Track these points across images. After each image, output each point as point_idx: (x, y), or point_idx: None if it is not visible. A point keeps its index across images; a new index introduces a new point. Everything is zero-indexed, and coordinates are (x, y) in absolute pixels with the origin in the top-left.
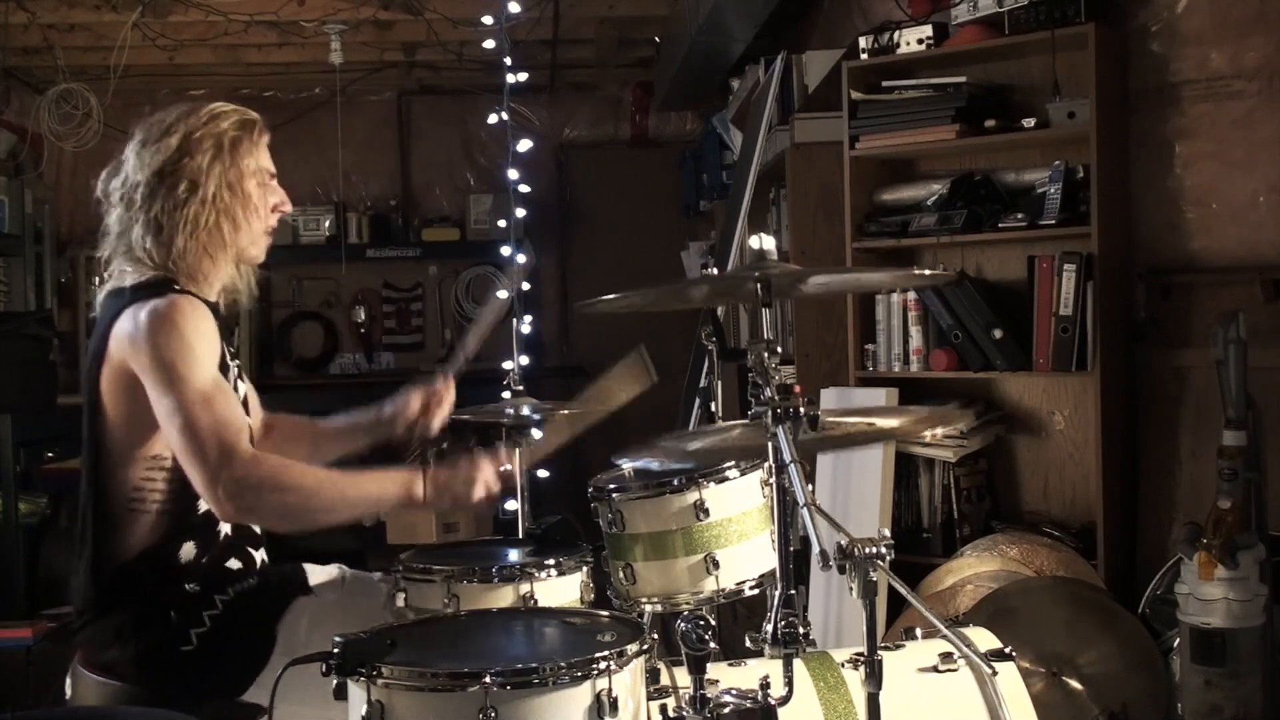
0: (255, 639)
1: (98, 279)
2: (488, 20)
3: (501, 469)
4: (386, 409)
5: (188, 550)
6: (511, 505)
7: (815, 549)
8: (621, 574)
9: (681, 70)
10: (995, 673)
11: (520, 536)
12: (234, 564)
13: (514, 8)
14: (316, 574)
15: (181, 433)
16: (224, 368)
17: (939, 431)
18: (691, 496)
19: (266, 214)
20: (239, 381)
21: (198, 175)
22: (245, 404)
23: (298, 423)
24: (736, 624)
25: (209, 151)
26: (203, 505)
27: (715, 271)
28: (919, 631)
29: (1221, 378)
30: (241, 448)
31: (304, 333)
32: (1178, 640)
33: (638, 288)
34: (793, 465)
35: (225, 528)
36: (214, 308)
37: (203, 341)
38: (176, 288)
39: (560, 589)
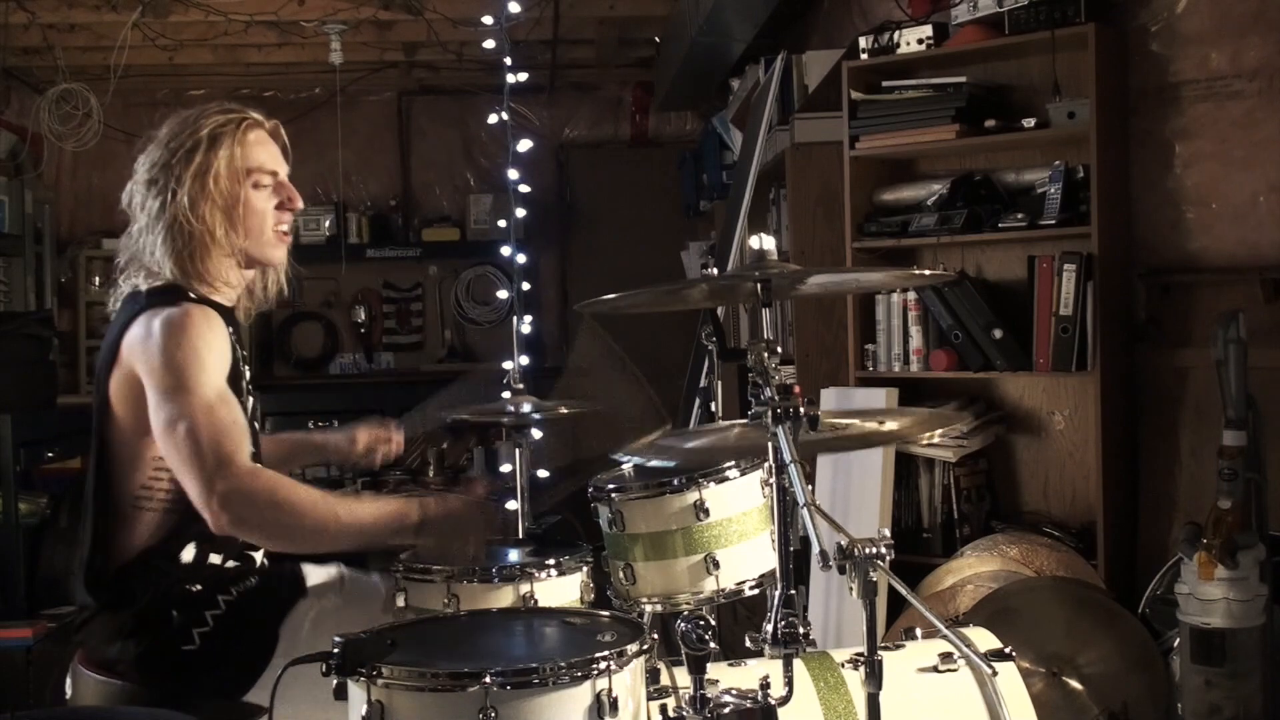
0: (257, 639)
1: (98, 279)
2: (488, 20)
3: (496, 507)
4: (333, 437)
5: (189, 552)
6: (511, 505)
7: (815, 549)
8: (621, 574)
9: (681, 70)
10: (995, 673)
11: (520, 536)
12: (234, 564)
13: (514, 8)
14: (315, 574)
15: (182, 441)
16: (236, 377)
17: (937, 435)
18: (691, 496)
19: (266, 212)
20: (249, 395)
21: (175, 178)
22: (254, 416)
23: None
24: (736, 624)
25: (187, 154)
26: None
27: (715, 271)
28: (919, 631)
29: (1221, 378)
30: (239, 458)
31: (304, 333)
32: (1178, 640)
33: (638, 288)
34: (793, 465)
35: None
36: (229, 314)
37: (213, 352)
38: (191, 296)
39: (560, 589)
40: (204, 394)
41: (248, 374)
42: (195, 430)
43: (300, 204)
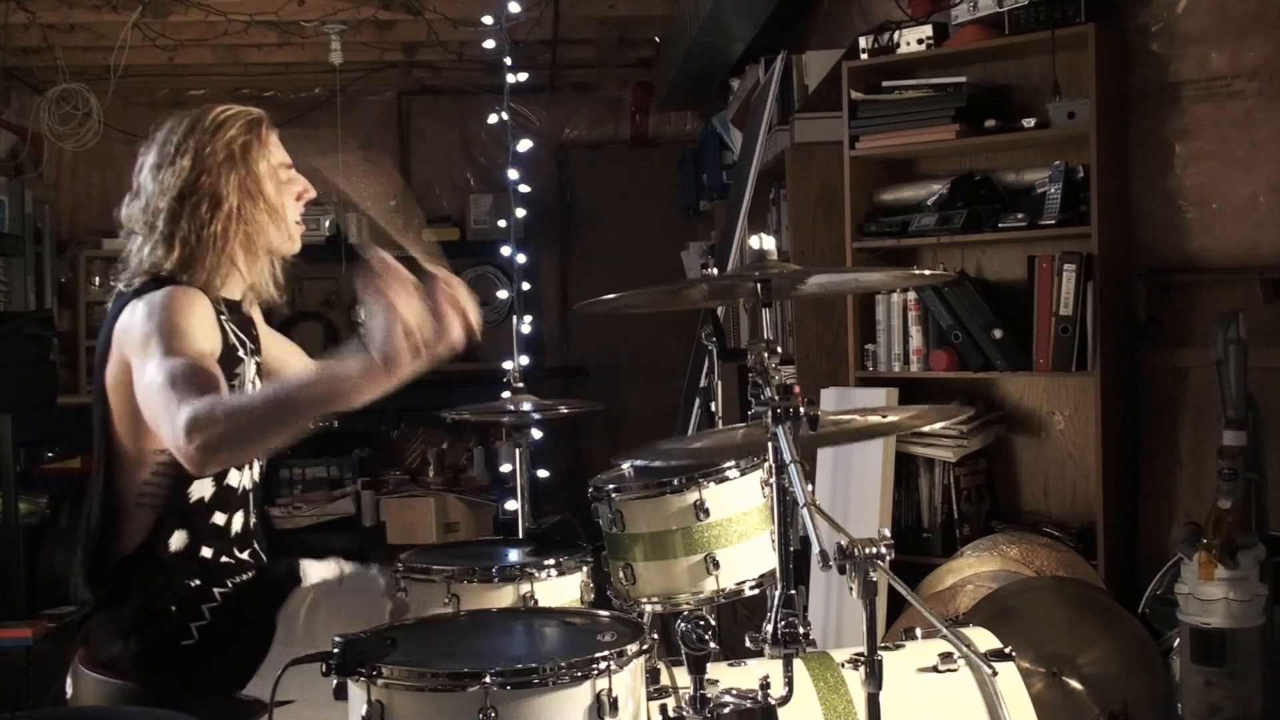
0: (254, 630)
1: (98, 279)
2: (488, 20)
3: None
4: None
5: (178, 539)
6: (511, 505)
7: (815, 549)
8: (621, 574)
9: (681, 70)
10: (995, 673)
11: (520, 536)
12: (229, 559)
13: (514, 8)
14: (314, 569)
15: (155, 391)
16: (231, 363)
17: (938, 425)
18: (691, 496)
19: (292, 207)
20: (255, 378)
21: (217, 190)
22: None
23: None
24: (736, 624)
25: (223, 164)
26: (193, 493)
27: (715, 271)
28: (919, 631)
29: (1221, 378)
30: (199, 394)
31: (304, 333)
32: (1178, 640)
33: (638, 288)
34: (793, 465)
35: (217, 518)
36: (234, 305)
37: (192, 324)
38: (179, 280)
39: (560, 589)
40: (179, 354)
41: (253, 363)
42: (166, 382)
43: (314, 192)
